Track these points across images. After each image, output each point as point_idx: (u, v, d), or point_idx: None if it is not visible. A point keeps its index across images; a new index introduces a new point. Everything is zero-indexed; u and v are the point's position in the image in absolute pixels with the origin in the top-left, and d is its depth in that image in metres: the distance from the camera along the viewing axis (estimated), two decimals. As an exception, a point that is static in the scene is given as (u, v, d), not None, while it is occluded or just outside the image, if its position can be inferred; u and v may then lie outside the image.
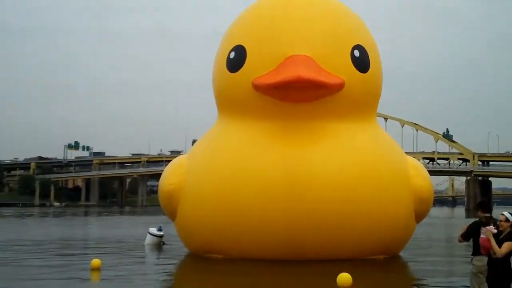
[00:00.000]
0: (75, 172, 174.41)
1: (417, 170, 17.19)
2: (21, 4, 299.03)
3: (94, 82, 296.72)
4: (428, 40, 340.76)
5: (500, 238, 8.90)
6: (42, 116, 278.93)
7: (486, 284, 9.36)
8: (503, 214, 9.24)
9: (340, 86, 15.59)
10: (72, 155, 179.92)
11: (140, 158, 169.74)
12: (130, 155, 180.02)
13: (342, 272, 11.96)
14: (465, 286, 11.35)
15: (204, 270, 15.63)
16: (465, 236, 11.04)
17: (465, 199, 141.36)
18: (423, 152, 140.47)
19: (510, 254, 8.86)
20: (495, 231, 9.00)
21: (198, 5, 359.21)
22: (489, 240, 8.76)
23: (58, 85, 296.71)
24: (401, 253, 18.05)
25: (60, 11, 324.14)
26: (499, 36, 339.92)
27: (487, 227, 9.04)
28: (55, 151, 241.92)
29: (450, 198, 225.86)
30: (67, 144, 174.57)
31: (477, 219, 11.02)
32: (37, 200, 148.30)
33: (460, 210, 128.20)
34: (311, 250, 15.34)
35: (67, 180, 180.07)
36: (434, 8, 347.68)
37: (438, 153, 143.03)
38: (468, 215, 74.11)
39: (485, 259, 9.65)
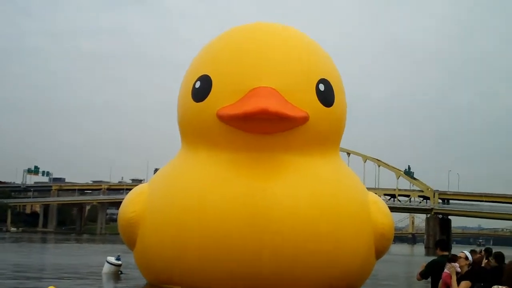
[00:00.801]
0: (33, 197, 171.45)
1: (378, 206, 17.18)
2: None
3: (55, 106, 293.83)
4: (393, 76, 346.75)
5: (458, 277, 8.97)
6: (1, 139, 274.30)
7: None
8: (463, 252, 9.35)
9: (304, 120, 15.63)
10: (32, 180, 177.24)
11: (100, 185, 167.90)
12: (91, 182, 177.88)
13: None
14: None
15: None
16: (423, 275, 11.11)
17: (425, 236, 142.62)
18: (385, 189, 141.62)
19: None
20: (459, 269, 9.10)
21: (165, 34, 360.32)
22: (451, 276, 8.83)
23: (18, 108, 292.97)
24: (360, 289, 18.01)
25: (27, 33, 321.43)
26: (462, 73, 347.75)
27: (452, 263, 9.12)
28: (14, 175, 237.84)
29: (410, 235, 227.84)
30: (27, 169, 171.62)
31: (436, 257, 11.11)
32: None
33: (420, 248, 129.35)
34: (270, 283, 15.15)
35: (25, 205, 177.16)
36: (397, 42, 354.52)
37: (399, 189, 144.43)
38: (427, 253, 74.73)
39: (443, 298, 9.71)
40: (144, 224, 16.38)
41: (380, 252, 17.36)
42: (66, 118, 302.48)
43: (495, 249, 11.44)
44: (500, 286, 5.86)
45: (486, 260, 11.60)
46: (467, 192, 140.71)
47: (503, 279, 6.11)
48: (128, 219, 16.92)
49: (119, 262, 22.35)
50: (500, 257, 10.84)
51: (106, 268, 22.42)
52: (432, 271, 10.73)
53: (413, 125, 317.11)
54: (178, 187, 16.04)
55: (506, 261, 10.26)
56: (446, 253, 11.15)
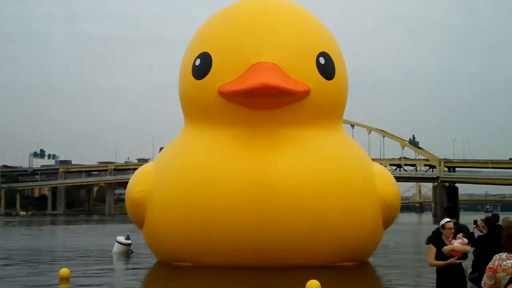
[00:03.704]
0: (41, 180, 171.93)
1: (384, 177, 17.30)
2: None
3: (60, 89, 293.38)
4: (396, 48, 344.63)
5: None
6: (7, 124, 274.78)
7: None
8: (451, 222, 9.37)
9: (305, 93, 15.66)
10: (38, 163, 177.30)
11: (107, 166, 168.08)
12: (97, 163, 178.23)
13: (310, 279, 11.97)
14: (432, 291, 11.47)
15: (172, 278, 15.54)
16: (431, 240, 11.22)
17: (432, 205, 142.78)
18: (390, 159, 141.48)
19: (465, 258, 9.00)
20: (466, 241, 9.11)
21: (171, 12, 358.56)
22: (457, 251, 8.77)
23: (22, 91, 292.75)
24: (369, 260, 18.15)
25: (32, 16, 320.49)
26: (466, 44, 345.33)
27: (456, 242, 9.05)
28: (20, 160, 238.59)
29: (418, 204, 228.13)
30: (33, 152, 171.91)
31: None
32: (2, 209, 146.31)
33: (428, 216, 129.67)
34: (278, 257, 15.33)
35: (33, 189, 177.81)
36: (401, 15, 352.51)
37: (405, 159, 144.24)
38: (435, 221, 74.85)
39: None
40: (151, 203, 16.54)
41: (387, 222, 17.50)
42: (70, 101, 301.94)
43: (502, 215, 11.46)
44: (502, 254, 5.87)
45: (474, 225, 11.67)
46: (473, 159, 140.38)
47: (503, 245, 6.10)
48: (135, 199, 17.08)
49: (129, 242, 22.52)
50: (491, 223, 10.89)
51: (116, 248, 22.60)
52: (439, 237, 10.85)
53: (417, 95, 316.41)
54: (182, 166, 16.16)
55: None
56: (454, 220, 11.22)
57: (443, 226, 8.86)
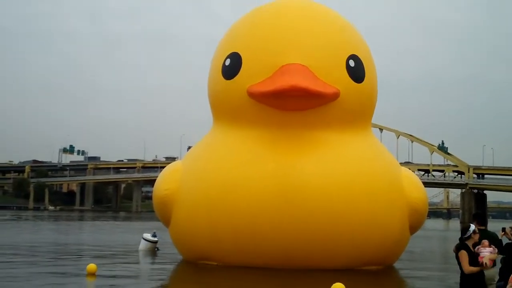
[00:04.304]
0: (69, 176, 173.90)
1: (412, 181, 17.16)
2: (20, 8, 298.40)
3: (90, 86, 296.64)
4: (426, 53, 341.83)
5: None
6: (37, 119, 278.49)
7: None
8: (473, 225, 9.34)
9: (335, 96, 15.62)
10: (67, 159, 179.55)
11: (135, 163, 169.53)
12: (125, 160, 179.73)
13: (335, 281, 11.95)
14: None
15: (198, 278, 15.60)
16: (458, 248, 11.12)
17: (460, 211, 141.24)
18: (418, 164, 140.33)
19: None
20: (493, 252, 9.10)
21: (197, 11, 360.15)
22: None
23: (53, 88, 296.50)
24: (395, 264, 18.04)
25: (59, 14, 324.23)
26: (497, 50, 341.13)
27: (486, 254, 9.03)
28: (50, 155, 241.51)
29: (445, 210, 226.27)
30: (62, 148, 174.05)
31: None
32: (31, 203, 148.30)
33: (455, 223, 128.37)
34: (304, 259, 15.31)
35: (61, 184, 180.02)
36: (432, 20, 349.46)
37: (433, 165, 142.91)
38: (462, 228, 74.01)
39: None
40: (178, 202, 16.61)
41: (414, 228, 17.34)
42: (100, 98, 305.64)
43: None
44: None
45: (503, 233, 11.54)
46: (502, 167, 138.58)
47: None
48: (162, 197, 17.16)
49: (155, 239, 22.68)
50: None
51: (143, 245, 22.75)
52: (465, 245, 10.76)
53: (446, 100, 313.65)
54: (210, 167, 16.18)
55: None
56: (483, 228, 11.11)
57: (474, 231, 8.87)
